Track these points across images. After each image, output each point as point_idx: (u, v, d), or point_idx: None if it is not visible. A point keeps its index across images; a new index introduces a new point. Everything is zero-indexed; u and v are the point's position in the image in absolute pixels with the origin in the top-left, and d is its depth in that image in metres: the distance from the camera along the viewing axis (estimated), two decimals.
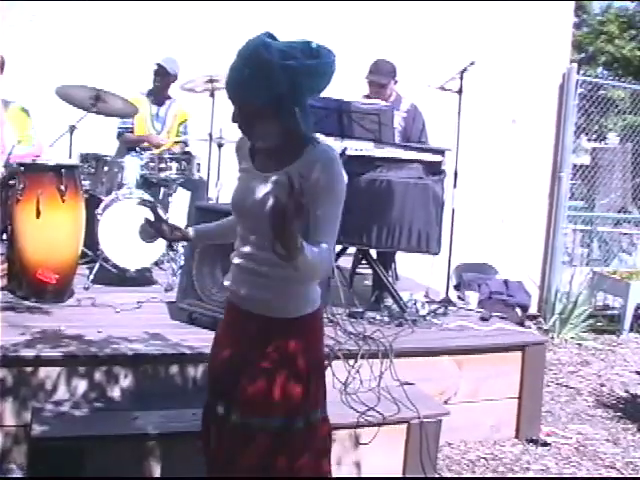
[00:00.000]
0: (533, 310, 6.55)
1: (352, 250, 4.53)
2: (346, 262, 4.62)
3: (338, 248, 4.29)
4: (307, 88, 1.86)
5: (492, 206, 6.33)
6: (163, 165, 4.61)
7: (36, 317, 3.52)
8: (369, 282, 4.51)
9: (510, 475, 3.44)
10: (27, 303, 3.70)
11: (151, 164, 4.61)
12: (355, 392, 3.21)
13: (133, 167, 4.61)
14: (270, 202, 1.76)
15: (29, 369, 2.94)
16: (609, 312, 6.77)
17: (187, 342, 3.26)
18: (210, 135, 4.90)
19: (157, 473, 2.76)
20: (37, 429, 2.68)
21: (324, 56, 1.84)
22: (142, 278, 4.39)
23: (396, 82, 4.49)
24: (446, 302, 4.34)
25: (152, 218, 2.15)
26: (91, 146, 4.69)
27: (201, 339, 3.19)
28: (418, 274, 4.89)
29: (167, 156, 4.67)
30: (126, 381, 3.06)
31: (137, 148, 4.98)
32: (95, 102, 4.41)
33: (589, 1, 16.48)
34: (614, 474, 3.54)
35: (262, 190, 1.91)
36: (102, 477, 2.69)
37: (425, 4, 5.93)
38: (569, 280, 6.46)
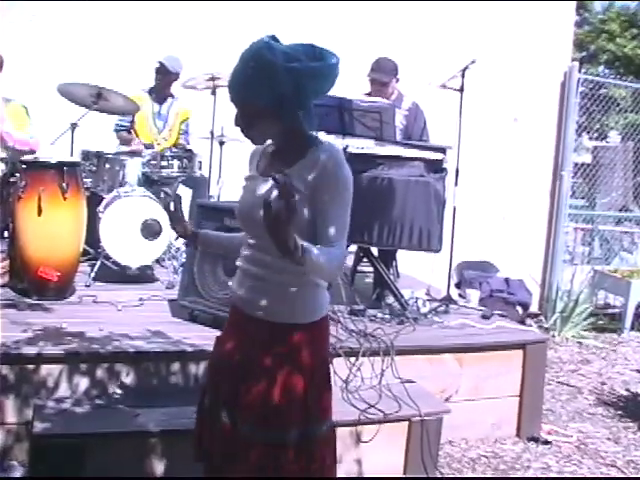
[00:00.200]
0: (534, 308, 6.56)
1: (353, 248, 4.53)
2: (347, 260, 4.60)
3: None
4: (311, 90, 1.86)
5: (493, 204, 6.34)
6: (165, 163, 4.63)
7: (38, 314, 3.53)
8: (370, 280, 4.51)
9: (511, 473, 3.44)
10: (29, 300, 3.70)
11: (153, 162, 4.62)
12: (356, 390, 3.22)
13: (134, 165, 4.61)
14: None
15: (31, 366, 2.94)
16: (610, 310, 6.76)
17: (189, 340, 3.26)
18: (212, 133, 4.91)
19: (158, 471, 2.76)
20: (39, 426, 2.68)
21: (327, 58, 1.85)
22: (143, 276, 4.39)
23: (398, 80, 4.49)
24: (447, 300, 4.35)
25: (172, 208, 2.11)
26: (93, 144, 4.68)
27: (202, 337, 3.19)
28: (419, 272, 4.90)
29: (169, 154, 4.68)
30: (127, 378, 3.06)
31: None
32: (97, 100, 4.40)
33: (591, 0, 16.47)
34: (615, 473, 3.54)
35: (261, 193, 1.91)
36: (102, 477, 2.68)
37: (427, 3, 5.94)
38: (570, 278, 6.47)
